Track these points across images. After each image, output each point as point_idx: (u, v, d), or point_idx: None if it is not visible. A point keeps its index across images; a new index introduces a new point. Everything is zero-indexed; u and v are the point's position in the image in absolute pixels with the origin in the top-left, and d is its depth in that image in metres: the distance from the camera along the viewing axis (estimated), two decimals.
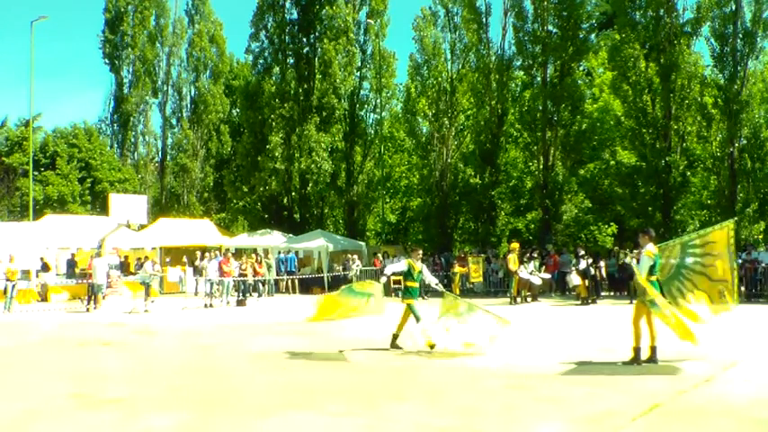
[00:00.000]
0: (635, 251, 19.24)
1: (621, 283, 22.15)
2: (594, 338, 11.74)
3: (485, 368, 8.88)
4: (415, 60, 32.07)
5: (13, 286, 19.33)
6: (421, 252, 11.95)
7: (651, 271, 8.84)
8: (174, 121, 43.10)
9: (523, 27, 28.94)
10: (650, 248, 8.97)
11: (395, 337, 10.71)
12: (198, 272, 24.16)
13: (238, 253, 26.15)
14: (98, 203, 36.90)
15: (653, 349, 8.75)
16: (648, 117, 25.74)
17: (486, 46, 30.00)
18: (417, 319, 10.52)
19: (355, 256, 26.28)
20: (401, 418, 6.34)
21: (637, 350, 8.78)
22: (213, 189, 42.92)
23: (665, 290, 9.20)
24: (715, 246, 9.04)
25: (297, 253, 27.95)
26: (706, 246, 9.11)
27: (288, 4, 34.16)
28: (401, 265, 11.25)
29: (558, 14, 28.46)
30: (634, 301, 9.67)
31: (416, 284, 10.90)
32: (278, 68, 34.22)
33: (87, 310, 19.21)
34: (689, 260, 9.17)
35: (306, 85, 33.36)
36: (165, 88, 42.86)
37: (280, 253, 27.53)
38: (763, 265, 19.58)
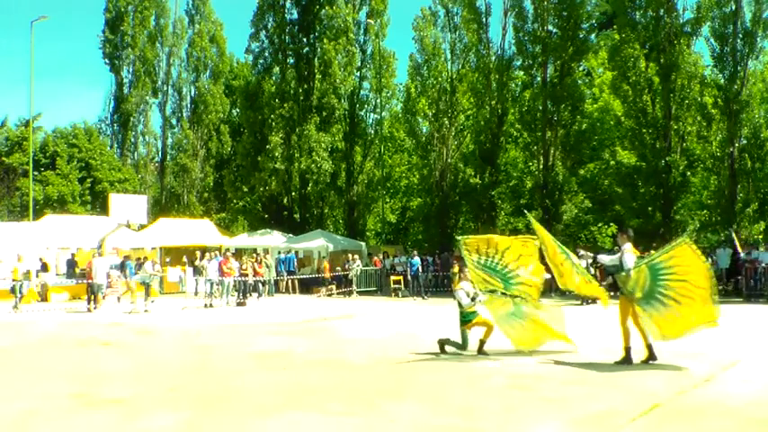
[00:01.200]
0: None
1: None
2: (594, 338, 11.73)
3: (485, 368, 8.89)
4: (415, 60, 32.10)
5: (21, 286, 19.37)
6: (466, 270, 10.47)
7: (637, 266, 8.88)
8: (174, 121, 43.14)
9: (523, 27, 28.94)
10: (629, 247, 9.10)
11: (481, 343, 10.03)
12: (198, 272, 24.16)
13: (238, 253, 26.14)
14: (98, 203, 36.90)
15: (649, 347, 8.75)
16: (648, 117, 25.76)
17: (486, 46, 30.00)
18: (463, 347, 9.96)
19: (356, 256, 26.29)
20: (401, 418, 6.34)
21: (627, 350, 8.80)
22: (213, 189, 42.92)
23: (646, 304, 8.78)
24: (682, 266, 8.44)
25: (296, 253, 27.96)
26: (674, 267, 8.49)
27: (288, 4, 34.20)
28: (464, 295, 10.13)
29: (558, 14, 28.45)
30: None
31: (473, 308, 10.08)
32: (278, 68, 34.25)
33: (89, 309, 19.22)
34: (659, 281, 8.61)
35: (306, 85, 33.37)
36: (165, 88, 42.88)
37: (280, 253, 27.54)
38: (763, 265, 19.58)
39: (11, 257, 21.34)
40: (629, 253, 9.04)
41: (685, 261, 8.46)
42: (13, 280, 19.26)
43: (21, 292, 19.18)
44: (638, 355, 8.85)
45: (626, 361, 8.76)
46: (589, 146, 31.15)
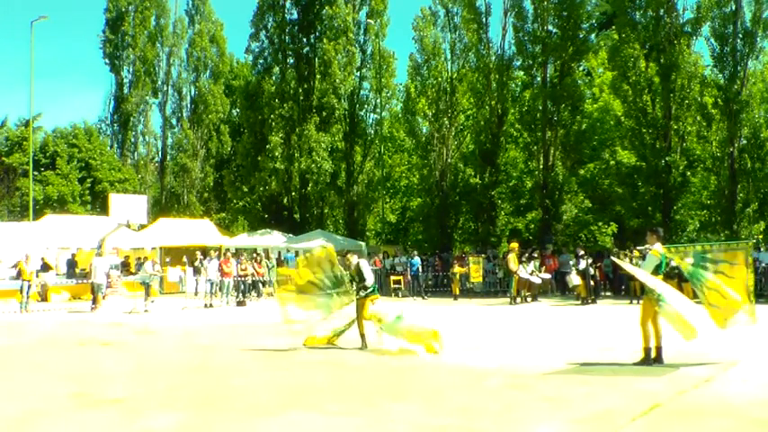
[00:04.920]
0: (635, 250, 19.28)
1: (619, 283, 22.19)
2: (594, 338, 11.74)
3: (485, 368, 8.88)
4: (414, 60, 32.09)
5: (29, 286, 19.36)
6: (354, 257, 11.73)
7: (657, 270, 8.77)
8: (174, 121, 43.22)
9: (523, 27, 28.96)
10: (657, 248, 8.90)
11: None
12: (197, 271, 24.14)
13: (237, 253, 26.13)
14: (98, 203, 36.92)
15: (658, 350, 8.70)
16: (648, 117, 25.76)
17: (486, 46, 30.00)
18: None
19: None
20: (400, 418, 6.34)
21: (647, 350, 8.70)
22: (213, 189, 42.94)
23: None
24: (731, 267, 8.73)
25: (296, 253, 27.88)
26: (722, 263, 8.80)
27: (288, 4, 34.20)
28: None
29: (558, 14, 28.47)
30: (640, 301, 9.61)
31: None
32: (278, 68, 34.25)
33: (92, 309, 19.24)
34: (702, 272, 8.83)
35: (306, 85, 33.37)
36: (165, 88, 42.94)
37: (279, 253, 27.54)
38: (764, 265, 19.58)
39: (11, 257, 21.31)
40: (651, 255, 8.95)
41: (735, 270, 8.71)
42: (23, 280, 19.25)
43: (27, 293, 19.18)
44: (640, 354, 8.82)
45: (645, 362, 8.66)
46: (589, 146, 31.17)
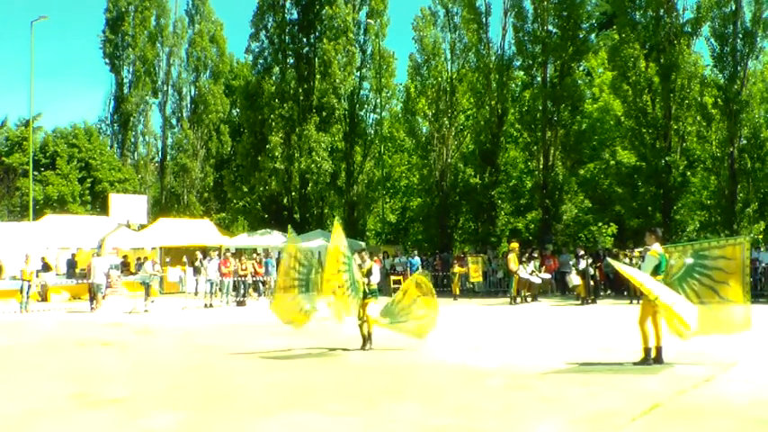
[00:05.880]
0: (635, 250, 19.29)
1: (619, 283, 22.17)
2: (594, 338, 11.74)
3: (485, 368, 8.88)
4: (414, 60, 32.07)
5: (29, 286, 19.38)
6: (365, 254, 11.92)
7: (656, 271, 8.77)
8: (174, 121, 43.23)
9: (523, 27, 28.94)
10: (656, 248, 8.89)
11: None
12: (197, 271, 24.14)
13: (237, 253, 26.14)
14: (98, 203, 36.93)
15: (659, 350, 8.70)
16: (648, 117, 25.76)
17: (486, 46, 29.99)
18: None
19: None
20: (401, 418, 6.34)
21: (647, 350, 8.70)
22: (213, 189, 42.94)
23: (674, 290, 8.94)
24: (728, 263, 8.65)
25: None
26: (719, 260, 8.74)
27: (288, 4, 34.19)
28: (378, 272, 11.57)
29: (558, 14, 28.46)
30: (640, 301, 9.59)
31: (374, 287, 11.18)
32: (278, 68, 34.25)
33: (91, 309, 19.25)
34: (698, 269, 8.82)
35: (306, 85, 33.37)
36: (165, 88, 42.95)
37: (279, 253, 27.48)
38: (764, 265, 19.58)
39: (12, 257, 21.32)
40: (649, 256, 8.94)
41: (732, 265, 8.63)
42: (23, 280, 19.26)
43: (27, 293, 19.19)
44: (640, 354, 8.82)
45: (645, 362, 8.65)
46: (589, 146, 31.15)
